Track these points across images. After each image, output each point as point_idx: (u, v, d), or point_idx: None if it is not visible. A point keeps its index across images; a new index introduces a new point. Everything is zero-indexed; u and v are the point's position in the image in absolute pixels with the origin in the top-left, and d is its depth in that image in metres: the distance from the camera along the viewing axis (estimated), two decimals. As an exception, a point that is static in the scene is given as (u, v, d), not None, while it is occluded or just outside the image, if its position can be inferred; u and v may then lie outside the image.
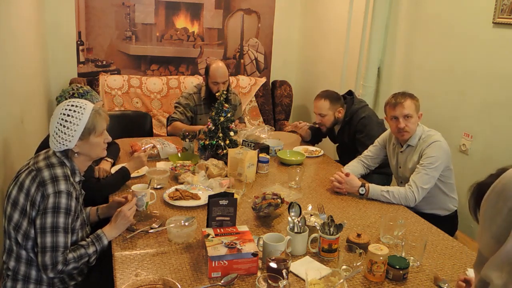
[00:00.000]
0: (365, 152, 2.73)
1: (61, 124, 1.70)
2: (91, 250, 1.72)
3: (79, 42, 4.52)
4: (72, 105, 1.73)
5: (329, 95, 3.06)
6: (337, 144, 3.40)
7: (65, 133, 1.69)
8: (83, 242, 1.73)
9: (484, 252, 1.00)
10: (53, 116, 1.74)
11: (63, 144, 1.70)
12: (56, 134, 1.70)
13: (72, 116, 1.70)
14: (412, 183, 2.31)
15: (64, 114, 1.71)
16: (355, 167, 2.67)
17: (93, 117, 1.74)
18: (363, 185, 2.33)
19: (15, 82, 2.99)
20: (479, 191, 1.05)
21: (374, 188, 2.32)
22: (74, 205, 1.70)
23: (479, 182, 1.07)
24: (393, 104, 2.41)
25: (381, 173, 2.90)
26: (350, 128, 3.07)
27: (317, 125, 3.23)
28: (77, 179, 1.77)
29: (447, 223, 2.39)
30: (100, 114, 1.77)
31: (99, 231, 1.78)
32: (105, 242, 1.76)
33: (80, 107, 1.73)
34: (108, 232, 1.78)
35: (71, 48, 4.50)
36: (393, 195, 2.29)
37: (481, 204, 1.00)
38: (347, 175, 2.37)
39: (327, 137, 3.38)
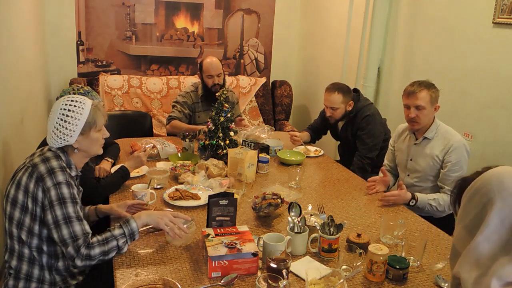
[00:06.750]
0: (386, 166, 2.73)
1: (61, 119, 1.69)
2: (117, 232, 1.65)
3: (79, 42, 4.52)
4: (72, 100, 1.73)
5: (341, 88, 3.02)
6: (338, 143, 3.40)
7: (66, 128, 1.69)
8: (110, 227, 1.69)
9: (456, 244, 1.06)
10: (51, 113, 1.73)
11: (64, 139, 1.70)
12: (57, 129, 1.69)
13: (73, 111, 1.70)
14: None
15: (64, 110, 1.70)
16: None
17: (93, 111, 1.75)
18: (413, 197, 2.35)
19: (15, 82, 2.99)
20: (462, 185, 1.11)
21: (422, 198, 2.36)
22: (76, 193, 1.70)
23: (464, 177, 1.14)
24: (407, 93, 2.42)
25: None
26: (353, 125, 3.07)
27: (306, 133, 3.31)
28: (73, 173, 1.76)
29: (445, 224, 2.39)
30: (99, 109, 1.78)
31: (128, 216, 1.72)
32: (133, 224, 1.68)
33: (80, 102, 1.73)
34: (138, 217, 1.71)
35: (71, 48, 4.50)
36: (439, 202, 2.35)
37: (462, 196, 1.07)
38: (400, 185, 2.37)
39: (329, 133, 3.37)
